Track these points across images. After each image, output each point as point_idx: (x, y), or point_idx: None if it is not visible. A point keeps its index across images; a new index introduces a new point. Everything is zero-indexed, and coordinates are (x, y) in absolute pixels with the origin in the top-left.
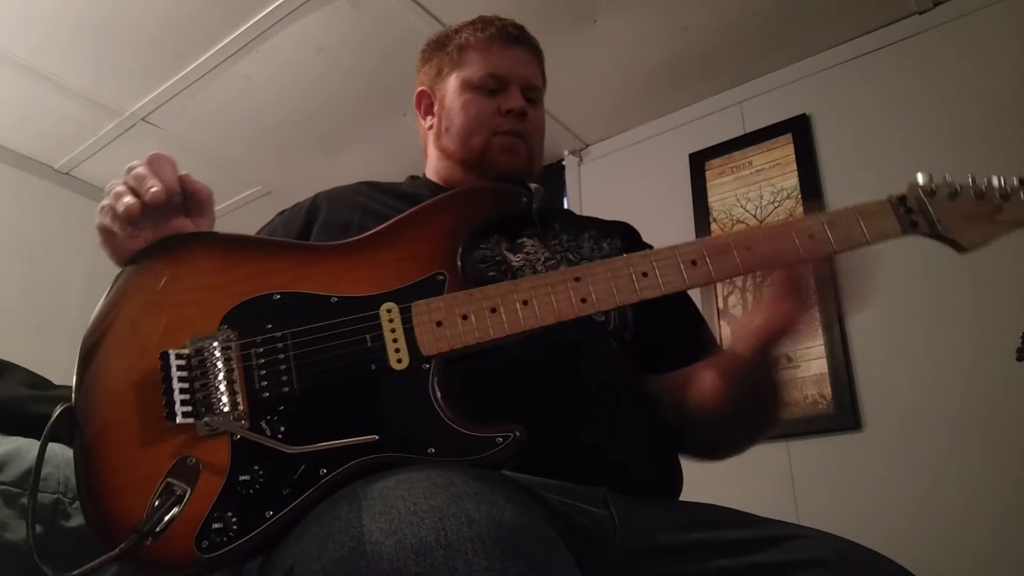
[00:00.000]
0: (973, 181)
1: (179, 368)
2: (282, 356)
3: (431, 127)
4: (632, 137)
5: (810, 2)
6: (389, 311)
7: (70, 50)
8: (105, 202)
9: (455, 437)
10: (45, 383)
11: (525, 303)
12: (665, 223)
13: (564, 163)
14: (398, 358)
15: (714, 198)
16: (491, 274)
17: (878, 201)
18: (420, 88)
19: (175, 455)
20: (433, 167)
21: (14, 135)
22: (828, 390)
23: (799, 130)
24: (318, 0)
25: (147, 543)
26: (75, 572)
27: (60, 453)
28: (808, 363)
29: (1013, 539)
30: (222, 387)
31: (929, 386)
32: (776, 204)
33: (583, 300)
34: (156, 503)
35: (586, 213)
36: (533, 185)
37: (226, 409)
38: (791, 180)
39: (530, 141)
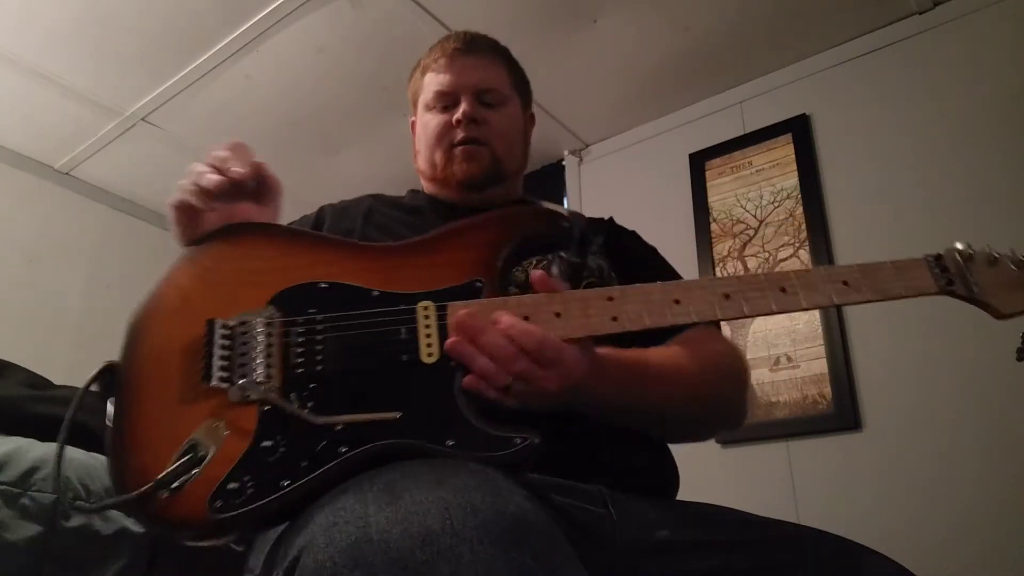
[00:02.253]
0: (1012, 252)
1: (222, 336)
2: (319, 338)
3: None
4: (632, 137)
5: (810, 2)
6: (426, 308)
7: (70, 50)
8: (184, 181)
9: (474, 433)
10: (45, 383)
11: (558, 315)
12: (665, 223)
13: (564, 163)
14: (429, 352)
15: (714, 198)
16: None
17: (913, 259)
18: (411, 118)
19: (205, 417)
20: (423, 183)
21: (14, 135)
22: (828, 390)
23: (799, 130)
24: (318, 0)
25: (162, 496)
26: (95, 504)
27: None
28: (808, 363)
29: (1013, 538)
30: (259, 359)
31: (929, 386)
32: (776, 204)
33: (614, 319)
34: (178, 459)
35: (586, 213)
36: (568, 210)
37: (259, 380)
38: (791, 180)
39: (492, 144)
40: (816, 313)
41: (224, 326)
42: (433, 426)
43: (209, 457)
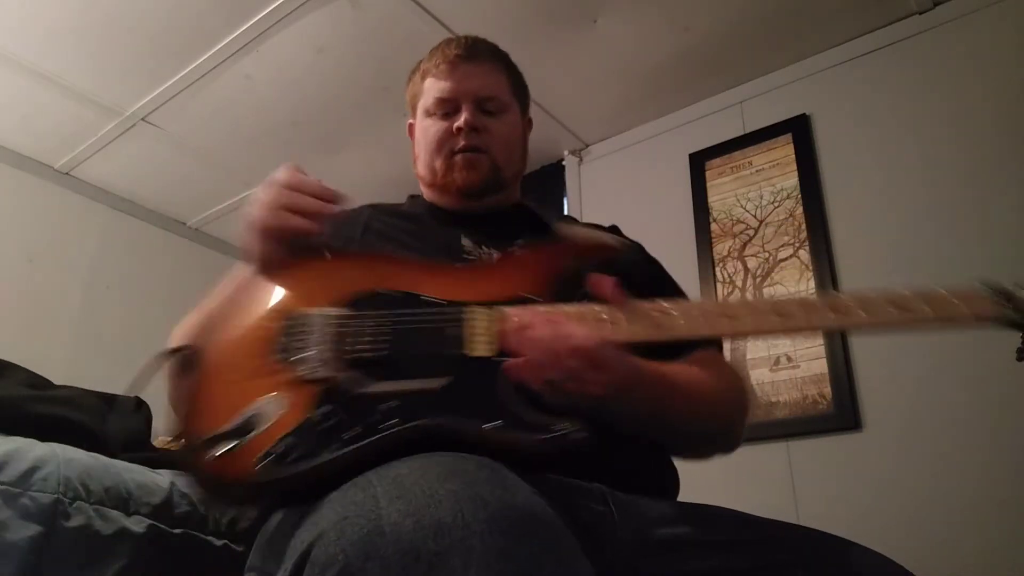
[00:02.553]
0: None
1: (290, 326)
2: (375, 330)
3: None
4: (632, 137)
5: (810, 2)
6: (480, 311)
7: (70, 50)
8: (281, 207)
9: (519, 416)
10: (45, 383)
11: (607, 320)
12: (665, 223)
13: (564, 163)
14: (478, 348)
15: (714, 198)
16: None
17: (976, 291)
18: (408, 120)
19: (265, 392)
20: (422, 188)
21: (14, 135)
22: (828, 390)
23: (799, 130)
24: (318, 0)
25: (215, 455)
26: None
27: (60, 453)
28: (808, 363)
29: (1014, 538)
30: (320, 346)
31: (929, 386)
32: (776, 204)
33: (658, 326)
34: (233, 424)
35: (586, 213)
36: (622, 242)
37: (317, 362)
38: (791, 180)
39: (492, 151)
40: None
41: (291, 317)
42: (481, 408)
43: (264, 426)
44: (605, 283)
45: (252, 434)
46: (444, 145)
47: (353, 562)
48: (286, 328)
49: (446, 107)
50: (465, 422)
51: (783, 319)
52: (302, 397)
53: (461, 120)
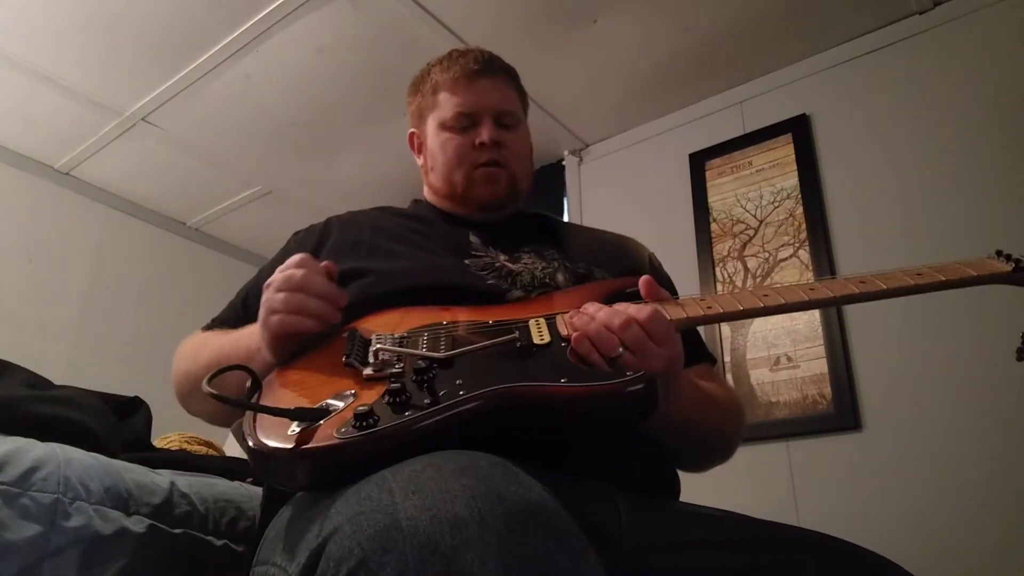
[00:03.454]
0: None
1: (361, 339)
2: (431, 338)
3: (422, 165)
4: (632, 137)
5: (810, 2)
6: (531, 319)
7: (71, 50)
8: (283, 307)
9: (583, 372)
10: (45, 383)
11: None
12: (665, 223)
13: (564, 163)
14: (540, 337)
15: (714, 198)
16: (490, 281)
17: (987, 259)
18: (410, 130)
19: (341, 389)
20: (431, 197)
21: (14, 135)
22: (828, 390)
23: (799, 130)
24: (318, 0)
25: (294, 429)
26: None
27: (60, 453)
28: (808, 363)
29: (1016, 538)
30: (390, 352)
31: (929, 385)
32: (776, 204)
33: (709, 307)
34: (309, 409)
35: (586, 213)
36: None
37: (389, 359)
38: (791, 180)
39: (510, 166)
40: (816, 313)
41: (360, 334)
42: (546, 370)
43: (338, 409)
44: (642, 281)
45: (329, 416)
46: (465, 159)
47: (370, 556)
48: (356, 338)
49: (465, 121)
50: (535, 385)
51: (815, 292)
52: (372, 389)
53: (484, 135)
